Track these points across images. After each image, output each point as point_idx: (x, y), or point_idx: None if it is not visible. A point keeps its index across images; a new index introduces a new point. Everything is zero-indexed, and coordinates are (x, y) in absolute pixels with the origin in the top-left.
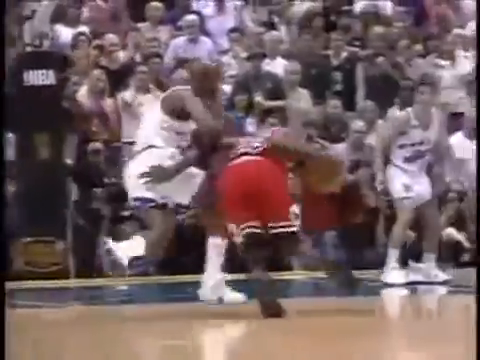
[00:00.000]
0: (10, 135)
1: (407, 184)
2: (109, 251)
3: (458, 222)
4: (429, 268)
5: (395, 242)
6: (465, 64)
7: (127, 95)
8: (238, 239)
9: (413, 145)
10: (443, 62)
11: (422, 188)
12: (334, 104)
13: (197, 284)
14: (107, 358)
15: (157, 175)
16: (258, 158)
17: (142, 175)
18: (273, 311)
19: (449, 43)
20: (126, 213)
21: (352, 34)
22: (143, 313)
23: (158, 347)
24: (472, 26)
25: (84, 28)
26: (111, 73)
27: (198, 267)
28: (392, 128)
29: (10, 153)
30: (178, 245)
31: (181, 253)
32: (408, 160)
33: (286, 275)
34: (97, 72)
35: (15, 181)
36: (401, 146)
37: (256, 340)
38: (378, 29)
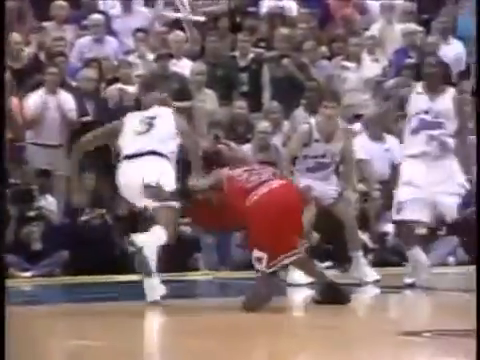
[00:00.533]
0: None
1: (308, 185)
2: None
3: (362, 222)
4: (358, 267)
5: None
6: (370, 66)
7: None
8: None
9: (315, 157)
10: (348, 64)
11: (326, 188)
12: (240, 105)
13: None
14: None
15: (156, 195)
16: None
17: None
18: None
19: (354, 45)
20: (32, 214)
21: (258, 35)
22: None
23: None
24: (375, 28)
25: None
26: (15, 72)
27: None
28: (295, 141)
29: None
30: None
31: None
32: (310, 171)
33: (191, 275)
34: None
35: None
36: (304, 157)
37: (156, 339)
38: (283, 30)
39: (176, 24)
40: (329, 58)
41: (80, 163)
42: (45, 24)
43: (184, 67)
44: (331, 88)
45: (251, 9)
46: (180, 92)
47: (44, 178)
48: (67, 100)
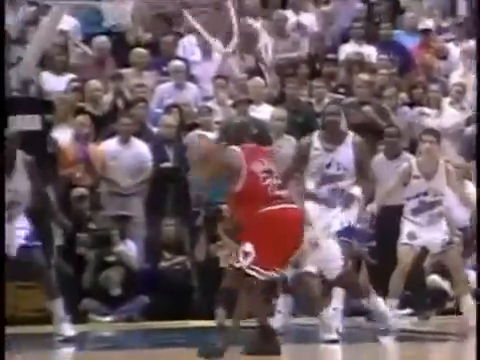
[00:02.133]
0: None
1: (412, 232)
2: None
3: (442, 269)
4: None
5: (391, 290)
6: (451, 113)
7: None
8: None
9: (417, 196)
10: (428, 111)
11: (434, 235)
12: None
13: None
14: None
15: None
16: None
17: None
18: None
19: (434, 92)
20: (111, 258)
21: (337, 81)
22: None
23: None
24: (457, 76)
25: (70, 75)
26: (94, 119)
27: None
28: (395, 181)
29: None
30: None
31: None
32: (414, 213)
33: None
34: (81, 117)
35: None
36: (407, 199)
37: None
38: (363, 76)
39: (255, 70)
40: (409, 105)
41: (161, 209)
42: (124, 71)
43: (263, 112)
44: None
45: (330, 56)
46: (259, 137)
47: (123, 223)
48: (142, 149)
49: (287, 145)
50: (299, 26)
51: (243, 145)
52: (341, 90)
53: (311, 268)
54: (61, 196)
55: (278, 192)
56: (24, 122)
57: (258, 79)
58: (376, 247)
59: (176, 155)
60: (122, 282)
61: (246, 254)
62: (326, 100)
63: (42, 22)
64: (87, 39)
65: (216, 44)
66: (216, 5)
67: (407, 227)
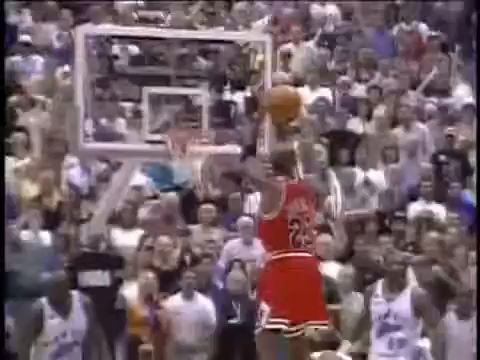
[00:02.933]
0: None
1: None
2: None
3: None
4: None
5: None
6: None
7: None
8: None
9: None
10: None
11: None
12: None
13: None
14: None
15: None
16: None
17: None
18: None
19: None
20: None
21: (406, 239)
22: None
23: None
24: None
25: (138, 231)
26: (162, 274)
27: None
28: None
29: None
30: None
31: None
32: None
33: None
34: (148, 274)
35: None
36: None
37: None
38: (432, 234)
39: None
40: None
41: None
42: (192, 227)
43: (331, 270)
44: None
45: (399, 213)
46: (328, 295)
47: None
48: (206, 305)
49: (355, 303)
50: (367, 183)
51: (287, 180)
52: (410, 248)
53: None
54: (128, 353)
55: (299, 238)
56: (93, 278)
57: (326, 236)
58: None
59: (244, 311)
60: None
61: (262, 313)
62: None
63: (113, 179)
64: (157, 195)
65: None
66: None
67: None
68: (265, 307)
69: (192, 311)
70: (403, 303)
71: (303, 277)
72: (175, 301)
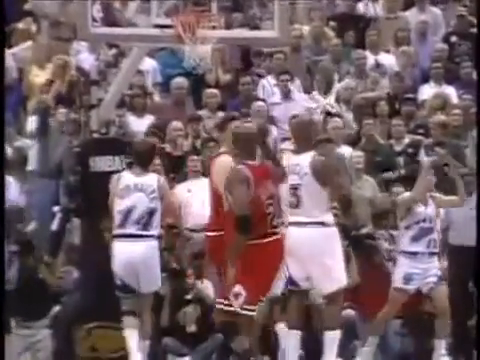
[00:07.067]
0: (75, 220)
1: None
2: None
3: None
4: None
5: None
6: None
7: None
8: None
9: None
10: None
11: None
12: (398, 191)
13: None
14: None
15: None
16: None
17: None
18: None
19: None
20: (188, 296)
21: (416, 121)
22: None
23: None
24: None
25: (150, 116)
26: (172, 158)
27: None
28: None
29: (75, 238)
30: None
31: None
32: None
33: None
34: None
35: (80, 266)
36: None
37: None
38: (438, 117)
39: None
40: None
41: None
42: (201, 112)
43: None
44: None
45: (409, 95)
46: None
47: (199, 261)
48: None
49: (366, 186)
50: (378, 66)
51: (252, 163)
52: (420, 131)
53: None
54: None
55: (276, 221)
56: (105, 163)
57: (337, 119)
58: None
59: None
60: (199, 320)
61: (237, 296)
62: (406, 140)
63: (123, 64)
64: (166, 81)
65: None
66: (293, 46)
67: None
68: (242, 291)
69: (201, 189)
70: None
71: (274, 262)
72: (185, 186)
